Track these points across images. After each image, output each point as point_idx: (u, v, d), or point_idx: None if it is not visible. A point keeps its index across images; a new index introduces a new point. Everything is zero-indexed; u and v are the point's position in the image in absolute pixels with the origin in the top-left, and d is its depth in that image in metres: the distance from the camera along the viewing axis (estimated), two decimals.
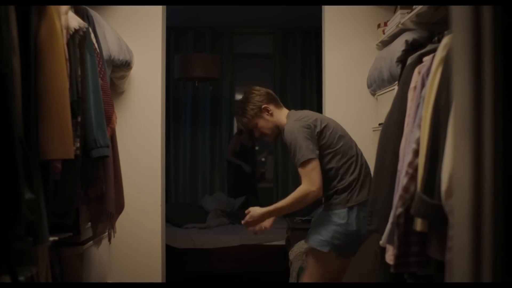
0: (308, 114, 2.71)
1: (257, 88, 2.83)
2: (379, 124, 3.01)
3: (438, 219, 1.54)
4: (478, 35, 0.81)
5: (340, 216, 2.59)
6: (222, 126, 6.58)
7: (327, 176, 2.62)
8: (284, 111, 2.82)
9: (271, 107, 2.77)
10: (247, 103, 2.78)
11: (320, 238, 2.61)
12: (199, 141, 6.53)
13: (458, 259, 0.87)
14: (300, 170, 2.59)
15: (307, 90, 6.48)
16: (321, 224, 2.64)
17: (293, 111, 2.81)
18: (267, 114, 2.76)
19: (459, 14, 0.87)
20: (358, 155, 2.68)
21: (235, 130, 6.82)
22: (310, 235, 2.68)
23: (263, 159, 7.05)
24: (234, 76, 6.68)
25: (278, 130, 2.77)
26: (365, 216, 2.52)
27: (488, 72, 0.80)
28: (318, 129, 2.62)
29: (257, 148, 6.87)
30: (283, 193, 6.28)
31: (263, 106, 2.75)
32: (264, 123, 2.78)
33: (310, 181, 2.55)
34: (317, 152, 2.58)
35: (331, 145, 2.62)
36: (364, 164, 2.69)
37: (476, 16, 0.82)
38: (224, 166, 6.53)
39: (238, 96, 6.85)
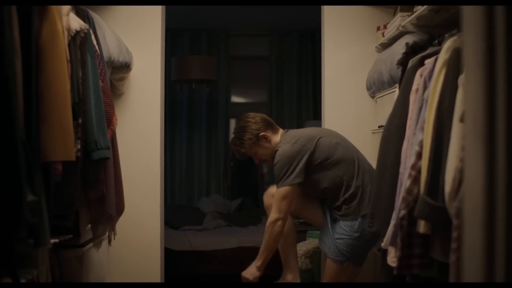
0: (300, 135, 2.68)
1: (251, 115, 2.78)
2: (379, 127, 3.01)
3: (442, 221, 1.55)
4: (491, 36, 0.81)
5: (353, 229, 2.58)
6: (218, 128, 6.57)
7: (334, 185, 2.62)
8: (280, 133, 2.78)
9: (269, 134, 2.73)
10: (243, 133, 2.73)
11: (337, 252, 2.61)
12: (195, 143, 6.52)
13: (470, 260, 0.87)
14: (275, 194, 2.61)
15: (303, 92, 6.48)
16: (338, 236, 2.63)
17: (286, 133, 2.77)
18: (265, 141, 2.73)
19: (471, 15, 0.86)
20: (358, 160, 2.66)
21: (231, 132, 6.82)
22: (329, 245, 2.67)
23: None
24: (230, 78, 6.68)
25: None
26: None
27: (501, 73, 0.80)
28: (311, 149, 2.59)
29: None
30: None
31: (260, 134, 2.71)
32: (263, 150, 2.75)
33: (277, 208, 2.59)
34: (300, 178, 2.56)
35: (329, 155, 2.61)
36: (368, 170, 2.65)
37: (488, 16, 0.81)
38: (220, 168, 6.53)
39: (234, 98, 6.85)
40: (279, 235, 2.63)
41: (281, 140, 2.70)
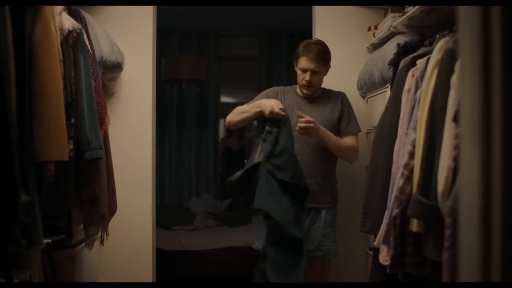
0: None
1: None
2: (371, 127, 3.02)
3: (434, 220, 1.56)
4: (486, 36, 0.82)
5: None
6: (208, 128, 6.57)
7: None
8: None
9: None
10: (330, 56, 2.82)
11: None
12: (185, 143, 6.52)
13: (466, 259, 0.88)
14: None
15: None
16: None
17: None
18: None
19: (466, 15, 0.87)
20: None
21: (220, 132, 6.80)
22: None
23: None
24: (220, 78, 6.68)
25: None
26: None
27: (497, 72, 0.80)
28: None
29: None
30: None
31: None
32: (323, 74, 2.84)
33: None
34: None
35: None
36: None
37: (484, 16, 0.82)
38: (210, 168, 6.52)
39: (224, 98, 6.85)
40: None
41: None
